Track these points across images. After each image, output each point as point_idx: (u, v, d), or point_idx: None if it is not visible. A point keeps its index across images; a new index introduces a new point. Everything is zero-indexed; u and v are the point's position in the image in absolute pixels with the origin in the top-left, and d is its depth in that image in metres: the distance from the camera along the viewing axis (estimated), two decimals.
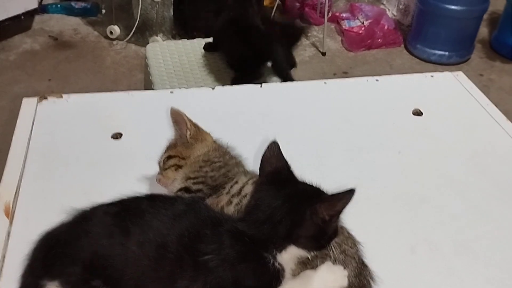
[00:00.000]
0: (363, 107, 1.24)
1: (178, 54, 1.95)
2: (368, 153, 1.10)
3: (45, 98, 1.16)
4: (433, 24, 3.33)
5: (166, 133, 1.00)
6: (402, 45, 3.61)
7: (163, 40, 3.28)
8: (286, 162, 0.82)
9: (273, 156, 0.81)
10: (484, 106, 1.26)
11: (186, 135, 0.96)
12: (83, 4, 3.60)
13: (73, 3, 3.61)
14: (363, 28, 3.59)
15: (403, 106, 1.24)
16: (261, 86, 1.28)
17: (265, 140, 1.06)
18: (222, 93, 1.26)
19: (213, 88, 1.26)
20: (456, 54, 3.40)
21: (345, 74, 3.27)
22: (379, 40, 3.53)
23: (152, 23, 3.32)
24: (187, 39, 3.43)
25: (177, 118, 0.97)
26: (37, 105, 1.15)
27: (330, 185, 0.85)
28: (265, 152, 0.82)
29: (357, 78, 1.36)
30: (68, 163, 1.02)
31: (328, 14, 3.53)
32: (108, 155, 1.05)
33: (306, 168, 0.85)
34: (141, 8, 3.22)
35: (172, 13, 3.24)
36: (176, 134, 0.99)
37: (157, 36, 3.30)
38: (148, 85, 1.90)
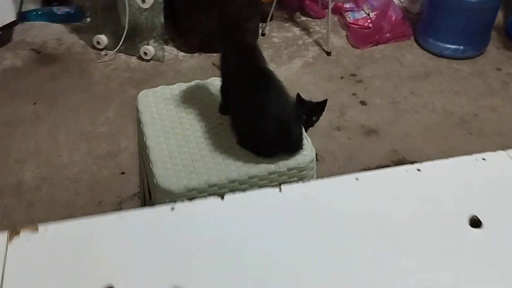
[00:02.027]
0: (404, 217, 1.02)
1: (173, 101, 1.71)
2: (415, 283, 0.89)
3: (17, 233, 0.94)
4: (445, 17, 3.07)
5: (170, 273, 0.80)
6: (412, 38, 3.36)
7: (154, 48, 3.03)
8: None
9: None
10: None
11: None
12: (65, 9, 3.34)
13: (54, 9, 3.34)
14: (369, 21, 3.33)
15: (456, 212, 1.01)
16: (280, 190, 1.06)
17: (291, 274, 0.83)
18: (233, 203, 1.04)
19: (222, 198, 1.04)
20: (472, 48, 3.15)
21: (353, 77, 3.04)
22: (387, 34, 3.28)
23: (142, 30, 3.06)
24: (181, 44, 3.17)
25: None
26: (7, 244, 0.92)
27: None
28: None
29: (395, 168, 1.13)
30: None
31: (331, 5, 3.26)
32: None
33: None
34: (129, 14, 2.95)
35: (162, 19, 2.98)
36: None
37: (148, 43, 3.05)
38: (140, 136, 1.68)
